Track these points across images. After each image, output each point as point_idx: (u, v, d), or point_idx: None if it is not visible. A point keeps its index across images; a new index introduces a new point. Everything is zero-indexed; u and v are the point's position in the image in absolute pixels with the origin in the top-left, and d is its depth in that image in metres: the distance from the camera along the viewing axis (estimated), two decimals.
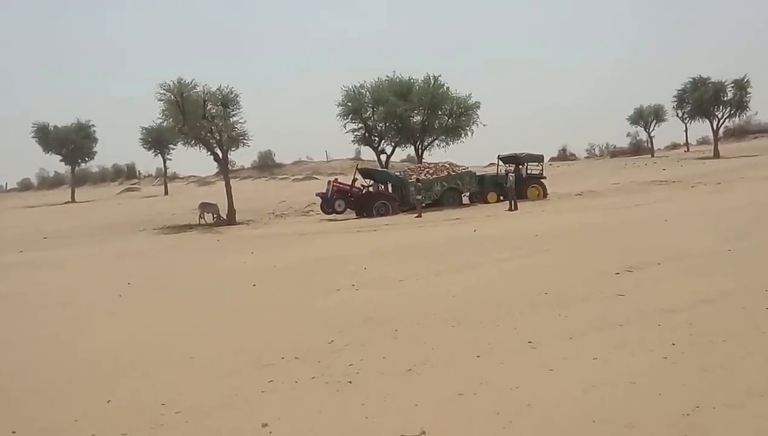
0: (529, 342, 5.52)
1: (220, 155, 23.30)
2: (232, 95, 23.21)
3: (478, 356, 5.20)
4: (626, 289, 7.40)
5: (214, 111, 22.90)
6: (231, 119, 23.27)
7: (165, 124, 23.11)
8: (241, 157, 76.58)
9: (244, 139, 23.60)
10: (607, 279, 8.09)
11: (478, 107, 27.98)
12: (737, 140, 51.89)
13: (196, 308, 8.04)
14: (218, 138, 22.99)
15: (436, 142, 29.08)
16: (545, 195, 24.14)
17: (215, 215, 23.67)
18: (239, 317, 7.25)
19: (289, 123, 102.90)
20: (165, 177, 58.72)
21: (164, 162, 56.46)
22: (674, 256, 9.37)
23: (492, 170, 27.65)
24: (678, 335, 5.57)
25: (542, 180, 24.77)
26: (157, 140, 49.65)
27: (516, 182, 23.91)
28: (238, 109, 23.35)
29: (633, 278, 8.03)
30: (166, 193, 53.74)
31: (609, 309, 6.55)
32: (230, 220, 23.15)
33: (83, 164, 57.35)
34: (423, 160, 28.18)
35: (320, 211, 23.09)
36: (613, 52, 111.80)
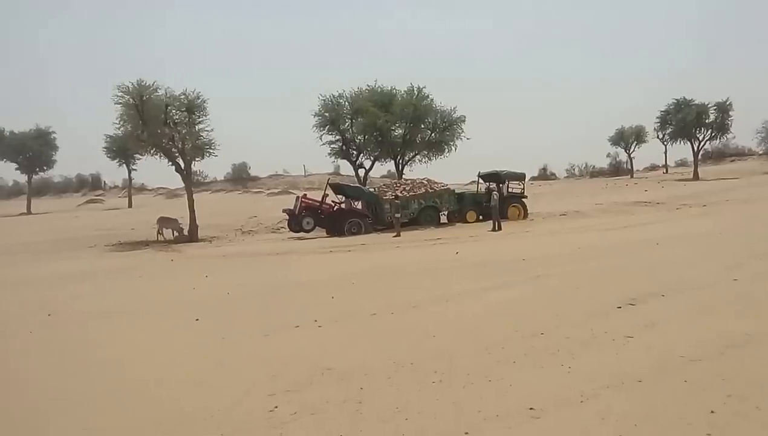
0: (531, 409, 4.27)
1: (182, 165, 21.66)
2: (199, 101, 21.66)
3: (466, 433, 3.91)
4: (634, 329, 6.26)
5: (177, 117, 21.33)
6: (196, 127, 21.70)
7: (122, 130, 21.28)
8: (215, 169, 74.69)
9: (210, 148, 22.03)
10: (610, 315, 6.96)
11: (463, 121, 26.92)
12: (715, 163, 52.38)
13: (114, 352, 6.55)
14: (180, 147, 21.35)
15: (418, 157, 27.87)
16: (526, 215, 23.16)
17: (175, 231, 21.96)
18: (163, 368, 5.80)
19: (267, 135, 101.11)
20: (129, 188, 56.68)
21: (129, 172, 54.41)
22: (677, 286, 8.33)
23: (473, 188, 26.49)
24: (714, 398, 4.41)
25: (523, 199, 23.80)
26: (121, 149, 47.47)
27: (491, 201, 22.89)
28: (205, 116, 21.82)
29: (638, 314, 6.92)
30: (129, 205, 51.59)
31: (621, 357, 5.37)
32: (191, 236, 21.48)
33: (41, 173, 54.73)
34: (404, 176, 26.93)
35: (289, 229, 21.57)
36: (595, 72, 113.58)
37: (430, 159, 27.82)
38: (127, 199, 55.88)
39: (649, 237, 14.52)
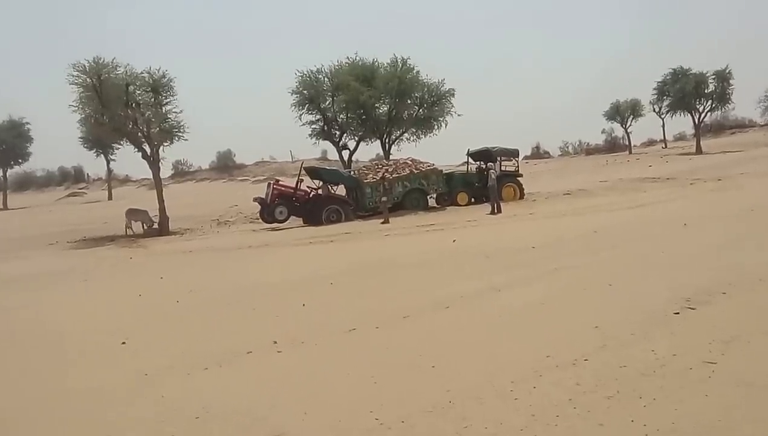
0: None
1: (149, 151, 19.59)
2: (165, 80, 19.55)
3: None
4: (712, 348, 4.54)
5: (141, 98, 19.24)
6: (163, 108, 19.61)
7: (80, 113, 19.03)
8: (199, 158, 72.10)
9: (180, 132, 19.92)
10: (669, 325, 5.22)
11: (453, 95, 24.69)
12: (715, 136, 50.38)
13: None
14: (146, 130, 19.26)
15: (406, 135, 25.73)
16: (522, 195, 21.27)
17: (145, 224, 20.01)
18: None
19: (254, 122, 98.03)
20: (109, 180, 54.72)
21: (107, 163, 52.27)
22: (738, 280, 6.60)
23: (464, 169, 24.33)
24: None
25: (518, 178, 21.89)
26: (98, 139, 45.04)
27: (488, 181, 21.12)
28: (172, 96, 19.71)
29: (706, 323, 5.19)
30: (109, 198, 49.49)
31: (713, 402, 3.61)
32: (162, 229, 19.52)
33: (17, 167, 53.03)
34: (391, 156, 24.83)
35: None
36: (586, 49, 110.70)
37: (418, 137, 25.68)
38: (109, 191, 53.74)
39: (672, 217, 12.81)
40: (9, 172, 55.56)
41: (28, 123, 50.12)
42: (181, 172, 69.34)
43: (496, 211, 17.29)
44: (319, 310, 6.80)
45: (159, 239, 18.10)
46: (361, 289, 7.87)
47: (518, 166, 22.64)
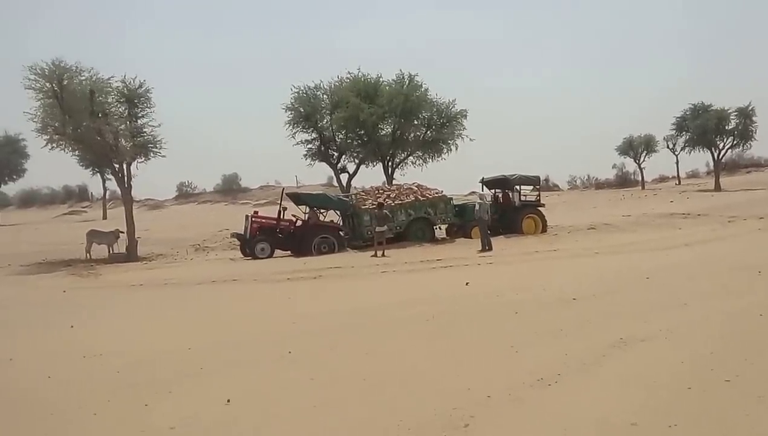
0: None
1: (117, 168, 17.35)
2: (142, 90, 17.53)
3: None
4: None
5: (112, 108, 17.14)
6: (138, 121, 17.50)
7: (38, 124, 16.64)
8: (205, 181, 70.86)
9: (155, 147, 17.75)
10: None
11: (465, 117, 22.38)
12: (729, 174, 48.40)
13: None
14: (114, 144, 17.04)
15: (411, 158, 23.33)
16: (545, 228, 18.86)
17: (111, 247, 17.65)
18: None
19: (262, 146, 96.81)
20: (104, 199, 53.50)
21: (103, 182, 51.04)
22: None
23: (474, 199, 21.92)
24: None
25: (540, 209, 19.49)
26: (95, 160, 43.47)
27: (507, 212, 18.73)
28: (149, 108, 17.68)
29: None
30: (104, 217, 47.92)
31: None
32: (130, 254, 17.12)
33: (11, 183, 52.63)
34: (394, 182, 22.41)
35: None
36: (594, 83, 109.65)
37: (425, 161, 23.28)
38: (110, 210, 52.08)
39: (734, 260, 10.30)
40: (15, 188, 55.46)
41: (24, 139, 49.50)
42: (185, 194, 68.28)
43: (486, 248, 14.70)
44: (246, 419, 4.11)
45: (120, 266, 15.70)
46: (331, 368, 5.23)
47: (539, 196, 20.29)
